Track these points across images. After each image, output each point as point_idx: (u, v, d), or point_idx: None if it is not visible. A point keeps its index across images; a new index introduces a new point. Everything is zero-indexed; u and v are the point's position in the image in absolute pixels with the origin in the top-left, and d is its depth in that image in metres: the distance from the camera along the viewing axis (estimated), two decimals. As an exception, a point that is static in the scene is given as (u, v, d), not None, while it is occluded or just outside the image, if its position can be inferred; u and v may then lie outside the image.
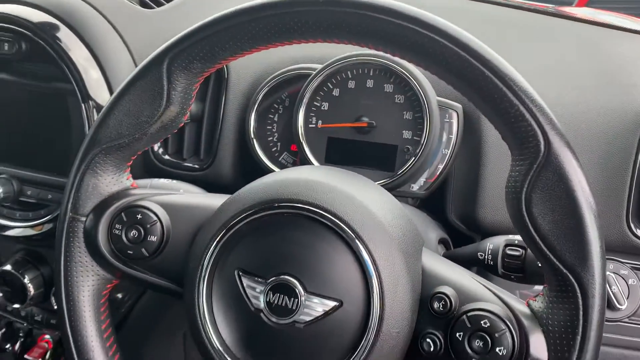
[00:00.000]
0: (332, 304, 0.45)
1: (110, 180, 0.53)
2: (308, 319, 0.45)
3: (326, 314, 0.45)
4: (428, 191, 0.66)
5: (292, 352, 0.46)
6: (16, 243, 0.81)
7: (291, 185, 0.48)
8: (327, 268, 0.46)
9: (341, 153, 0.68)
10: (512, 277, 0.55)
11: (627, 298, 0.63)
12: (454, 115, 0.65)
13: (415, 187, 0.66)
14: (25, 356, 0.86)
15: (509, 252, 0.55)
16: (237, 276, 0.47)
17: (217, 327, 0.48)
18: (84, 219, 0.53)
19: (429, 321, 0.46)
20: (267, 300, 0.46)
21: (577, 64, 0.69)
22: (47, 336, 0.88)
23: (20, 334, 0.88)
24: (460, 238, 0.69)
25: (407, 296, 0.45)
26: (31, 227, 0.76)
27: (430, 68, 0.44)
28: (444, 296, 0.46)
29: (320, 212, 0.46)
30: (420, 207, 0.70)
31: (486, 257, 0.56)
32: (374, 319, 0.44)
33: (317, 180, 0.48)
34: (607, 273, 0.63)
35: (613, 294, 0.62)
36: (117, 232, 0.52)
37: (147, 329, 0.83)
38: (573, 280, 0.42)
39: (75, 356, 0.52)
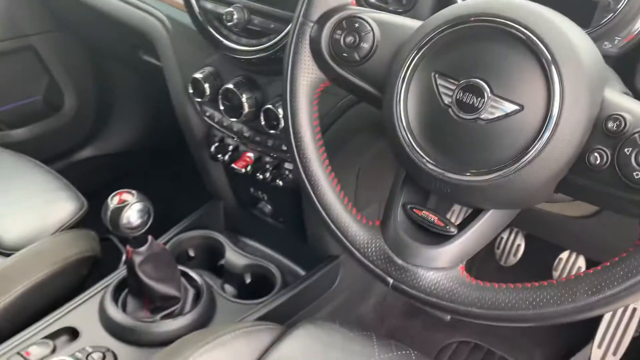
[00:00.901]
0: (514, 107, 0.52)
1: None
2: (490, 117, 0.53)
3: (507, 115, 0.52)
4: (621, 50, 0.67)
5: (470, 144, 0.54)
6: (237, 67, 0.98)
7: (491, 3, 0.54)
8: (515, 76, 0.52)
9: (539, 7, 0.72)
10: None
11: None
12: (666, -26, 0.64)
13: (608, 46, 0.68)
14: (232, 165, 1.06)
15: None
16: (433, 77, 0.56)
17: (409, 119, 0.57)
18: (311, 24, 0.64)
19: (600, 139, 0.51)
20: (457, 97, 0.54)
21: None
22: (250, 154, 1.07)
23: (230, 148, 1.08)
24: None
25: (584, 112, 0.51)
26: (253, 52, 0.91)
27: None
28: (619, 117, 0.50)
29: (516, 25, 0.52)
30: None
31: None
32: (550, 124, 0.50)
33: (515, 1, 0.54)
34: None
35: None
36: (337, 36, 0.63)
37: (330, 157, 0.97)
38: None
39: (291, 130, 0.66)
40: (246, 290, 1.15)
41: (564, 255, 1.30)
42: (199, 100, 1.02)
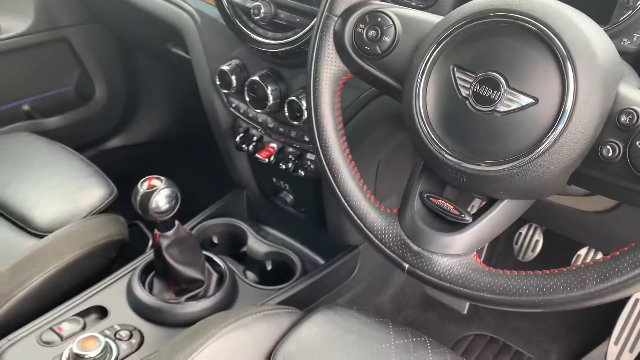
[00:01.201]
0: (529, 100, 0.54)
1: None
2: (506, 109, 0.55)
3: (522, 107, 0.54)
4: (639, 47, 0.69)
5: (486, 135, 0.56)
6: (263, 59, 1.01)
7: None
8: (530, 70, 0.54)
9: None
10: None
11: None
12: (686, -28, 0.65)
13: (627, 42, 0.69)
14: (256, 155, 1.09)
15: None
16: (451, 70, 0.58)
17: (427, 110, 0.60)
18: (336, 18, 0.67)
19: (613, 132, 0.53)
20: (474, 90, 0.56)
21: None
22: (274, 144, 1.10)
23: (254, 139, 1.11)
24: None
25: (597, 106, 0.52)
26: (279, 45, 0.94)
27: None
28: (632, 111, 0.52)
29: (533, 21, 0.54)
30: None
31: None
32: (564, 117, 0.52)
33: None
34: None
35: None
36: (359, 30, 0.66)
37: (351, 148, 1.00)
38: None
39: (314, 120, 0.69)
40: (267, 277, 1.19)
41: (582, 251, 1.30)
42: (226, 91, 1.06)
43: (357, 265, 1.19)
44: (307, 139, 1.02)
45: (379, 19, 0.65)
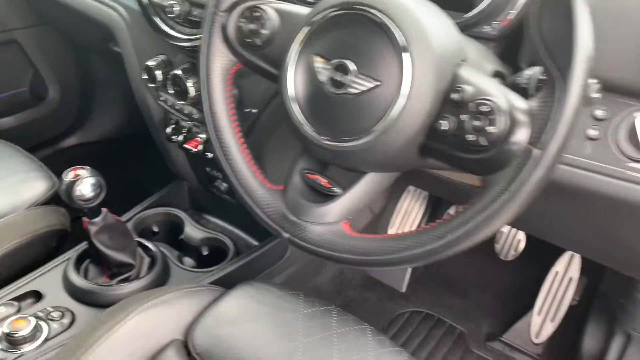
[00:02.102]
0: (375, 83, 0.61)
1: None
2: (356, 91, 0.62)
3: (369, 90, 0.61)
4: (500, 33, 0.75)
5: (342, 115, 0.63)
6: (186, 55, 1.07)
7: None
8: (376, 57, 0.61)
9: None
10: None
11: None
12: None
13: (488, 29, 0.76)
14: (185, 145, 1.16)
15: (542, 77, 0.65)
16: (312, 58, 0.65)
17: (295, 95, 0.67)
18: (222, 13, 0.74)
19: (447, 108, 0.60)
20: (329, 76, 0.63)
21: None
22: (202, 135, 1.16)
23: (184, 130, 1.17)
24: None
25: (430, 87, 0.59)
26: (194, 40, 1.00)
27: None
28: (461, 89, 0.59)
29: (378, 13, 0.60)
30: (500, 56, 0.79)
31: (522, 81, 0.66)
32: (403, 97, 0.59)
33: None
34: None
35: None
36: (241, 24, 0.72)
37: (266, 138, 1.06)
38: (561, 78, 0.53)
39: (209, 106, 0.75)
40: (204, 263, 1.25)
41: (506, 229, 1.39)
42: (152, 85, 1.12)
43: (289, 246, 1.26)
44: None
45: (258, 14, 0.71)
